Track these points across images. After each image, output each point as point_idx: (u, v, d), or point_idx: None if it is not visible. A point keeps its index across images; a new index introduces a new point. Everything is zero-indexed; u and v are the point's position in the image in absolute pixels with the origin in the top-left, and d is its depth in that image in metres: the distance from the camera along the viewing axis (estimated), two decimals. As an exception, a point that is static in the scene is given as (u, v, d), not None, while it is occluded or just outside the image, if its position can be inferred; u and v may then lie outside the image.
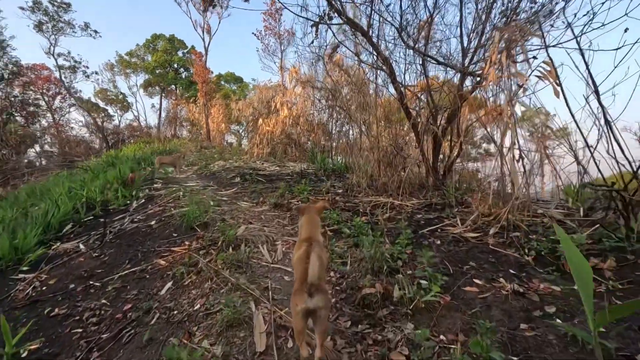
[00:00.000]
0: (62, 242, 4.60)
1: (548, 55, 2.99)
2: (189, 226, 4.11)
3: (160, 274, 3.16)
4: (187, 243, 3.73)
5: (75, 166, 14.87)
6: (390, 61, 5.38)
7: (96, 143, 26.18)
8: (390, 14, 5.36)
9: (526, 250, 2.82)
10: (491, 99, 4.98)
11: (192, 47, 27.16)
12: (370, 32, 5.42)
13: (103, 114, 30.58)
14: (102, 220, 4.45)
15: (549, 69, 3.01)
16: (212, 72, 27.90)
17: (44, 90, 24.14)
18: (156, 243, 3.94)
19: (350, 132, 12.73)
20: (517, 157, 3.45)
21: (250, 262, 3.10)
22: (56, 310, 2.82)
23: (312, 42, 6.36)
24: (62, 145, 23.73)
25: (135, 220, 5.04)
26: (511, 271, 2.56)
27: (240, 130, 25.58)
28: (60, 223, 5.05)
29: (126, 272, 3.32)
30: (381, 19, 5.38)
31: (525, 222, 3.30)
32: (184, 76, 28.80)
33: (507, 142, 3.46)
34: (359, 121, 6.31)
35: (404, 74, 5.68)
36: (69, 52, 23.97)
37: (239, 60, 56.22)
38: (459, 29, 5.15)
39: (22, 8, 19.51)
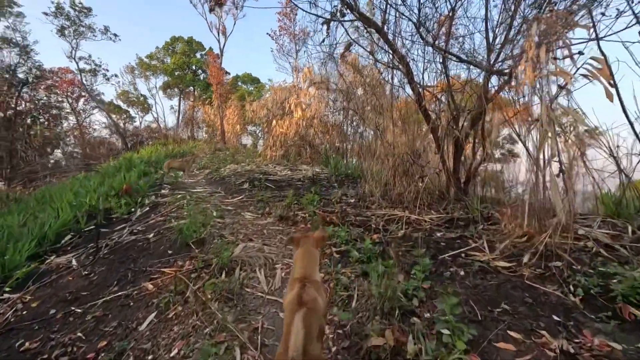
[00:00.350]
0: (58, 256, 4.38)
1: (600, 49, 2.47)
2: (185, 242, 3.79)
3: (146, 301, 2.83)
4: (179, 263, 3.40)
5: (92, 168, 15.04)
6: (407, 60, 4.91)
7: (118, 144, 26.71)
8: (408, 8, 4.89)
9: (571, 288, 2.32)
10: (522, 100, 4.47)
11: (210, 48, 27.26)
12: (386, 28, 4.97)
13: (125, 116, 31.25)
14: (96, 232, 4.19)
15: (599, 66, 2.48)
16: (228, 74, 27.99)
17: (69, 93, 24.78)
18: (149, 261, 3.63)
19: (365, 133, 12.28)
20: (556, 170, 2.94)
21: (243, 291, 2.72)
22: (27, 344, 2.53)
23: (323, 40, 5.95)
24: (84, 147, 24.28)
25: (135, 231, 4.78)
26: (555, 317, 2.07)
27: (257, 131, 25.51)
28: (59, 234, 4.85)
29: (111, 296, 3.01)
30: (397, 13, 4.91)
31: (566, 247, 2.78)
32: (201, 78, 28.98)
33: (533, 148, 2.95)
34: (374, 125, 5.86)
35: (422, 74, 5.19)
36: (89, 56, 24.50)
37: (256, 61, 56.43)
38: (483, 23, 4.62)
39: (45, 13, 20.02)
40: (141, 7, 44.10)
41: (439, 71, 5.14)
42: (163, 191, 7.27)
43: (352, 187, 6.91)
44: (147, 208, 5.98)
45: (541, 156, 2.96)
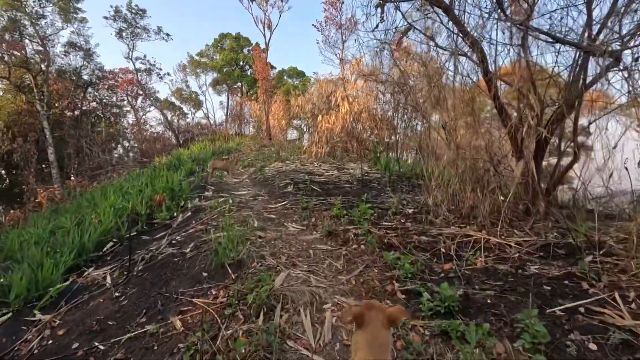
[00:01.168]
0: (97, 267, 4.19)
1: None
2: (221, 264, 3.33)
3: (171, 345, 2.38)
4: (213, 292, 2.94)
5: (146, 165, 15.64)
6: (481, 45, 4.01)
7: (172, 140, 27.97)
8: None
9: None
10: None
11: (257, 43, 27.33)
12: (455, 5, 4.10)
13: (178, 112, 32.65)
14: (128, 246, 3.90)
15: None
16: (274, 68, 27.94)
17: (128, 92, 26.33)
18: (181, 285, 3.22)
19: (422, 127, 11.27)
20: None
21: (284, 345, 2.15)
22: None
23: (377, 26, 5.17)
24: (142, 143, 25.68)
25: (174, 242, 4.47)
26: None
27: (302, 125, 25.20)
28: (100, 242, 4.70)
29: (137, 332, 2.61)
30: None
31: None
32: (249, 73, 29.27)
33: None
34: (438, 124, 5.00)
35: (494, 60, 4.23)
36: (144, 56, 25.73)
37: (302, 54, 56.19)
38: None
39: (105, 17, 21.20)
40: (190, 5, 45.61)
41: (517, 56, 4.17)
42: (207, 193, 7.03)
43: (407, 192, 6.12)
44: (189, 213, 5.71)
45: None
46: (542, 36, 3.89)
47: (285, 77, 30.26)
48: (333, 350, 2.12)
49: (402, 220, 4.28)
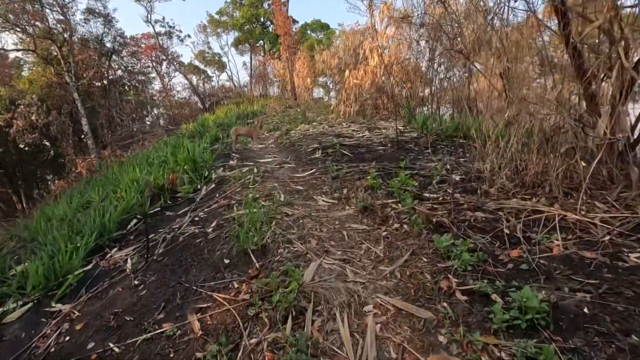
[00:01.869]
0: (119, 248, 3.99)
1: None
2: (243, 250, 2.94)
3: (188, 353, 2.06)
4: (235, 285, 2.58)
5: (173, 132, 15.57)
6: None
7: (199, 104, 27.82)
8: None
9: None
10: None
11: (277, -5, 25.56)
12: None
13: (203, 75, 32.15)
14: (145, 229, 3.61)
15: None
16: (296, 22, 26.24)
17: (153, 58, 26.01)
18: (202, 273, 2.90)
19: (456, 76, 10.09)
20: None
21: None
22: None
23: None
24: (170, 109, 25.72)
25: (196, 219, 4.18)
26: None
27: (329, 82, 23.97)
28: (123, 220, 4.49)
29: (154, 332, 2.33)
30: None
31: None
32: (270, 30, 27.80)
33: None
34: (490, 71, 4.14)
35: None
36: (163, 18, 24.94)
37: (325, 5, 52.55)
38: None
39: (121, -22, 20.39)
40: (208, -40, 43.14)
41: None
42: (231, 162, 6.67)
43: (450, 154, 5.40)
44: (213, 185, 5.38)
45: None
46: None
47: (309, 32, 28.53)
48: (379, 373, 1.68)
49: (450, 191, 3.66)
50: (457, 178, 4.07)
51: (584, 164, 2.96)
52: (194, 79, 30.11)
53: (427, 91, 12.23)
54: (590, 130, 3.12)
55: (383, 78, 10.82)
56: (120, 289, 3.03)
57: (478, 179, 3.84)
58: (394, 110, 10.02)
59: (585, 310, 1.75)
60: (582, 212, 2.78)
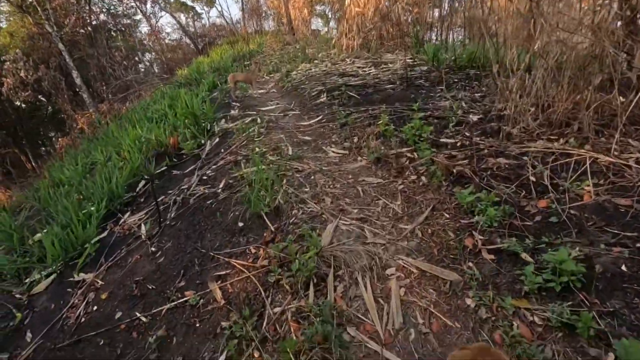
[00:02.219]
0: (131, 212, 3.98)
1: None
2: (257, 213, 2.87)
3: (213, 323, 2.09)
4: (252, 251, 2.54)
5: (169, 79, 14.88)
6: None
7: (192, 46, 26.17)
8: None
9: None
10: None
11: None
12: None
13: (192, 12, 29.77)
14: (152, 192, 3.53)
15: None
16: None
17: (136, -3, 23.88)
18: (217, 238, 2.87)
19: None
20: None
21: (344, 334, 1.74)
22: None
23: None
24: (161, 54, 24.32)
25: (204, 178, 4.08)
26: None
27: (327, 11, 22.09)
28: (130, 183, 4.42)
29: (176, 303, 2.36)
30: None
31: None
32: (259, -48, 24.87)
33: None
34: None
35: None
36: (141, -52, 22.25)
37: None
38: None
39: None
40: None
41: None
42: (232, 112, 6.36)
43: (464, 88, 5.03)
44: (217, 139, 5.19)
45: None
46: None
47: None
48: (407, 341, 1.67)
49: (468, 134, 3.43)
50: (475, 119, 3.79)
51: (622, 98, 2.66)
52: (183, 17, 27.93)
53: (436, 14, 11.15)
54: (632, 59, 2.76)
55: (387, 3, 9.82)
56: (138, 256, 3.05)
57: (498, 118, 3.57)
58: (401, 41, 9.23)
59: (623, 267, 1.66)
60: (616, 154, 2.57)
